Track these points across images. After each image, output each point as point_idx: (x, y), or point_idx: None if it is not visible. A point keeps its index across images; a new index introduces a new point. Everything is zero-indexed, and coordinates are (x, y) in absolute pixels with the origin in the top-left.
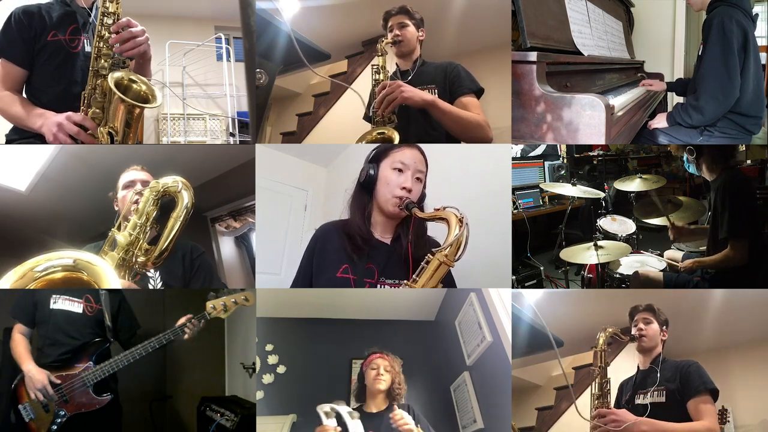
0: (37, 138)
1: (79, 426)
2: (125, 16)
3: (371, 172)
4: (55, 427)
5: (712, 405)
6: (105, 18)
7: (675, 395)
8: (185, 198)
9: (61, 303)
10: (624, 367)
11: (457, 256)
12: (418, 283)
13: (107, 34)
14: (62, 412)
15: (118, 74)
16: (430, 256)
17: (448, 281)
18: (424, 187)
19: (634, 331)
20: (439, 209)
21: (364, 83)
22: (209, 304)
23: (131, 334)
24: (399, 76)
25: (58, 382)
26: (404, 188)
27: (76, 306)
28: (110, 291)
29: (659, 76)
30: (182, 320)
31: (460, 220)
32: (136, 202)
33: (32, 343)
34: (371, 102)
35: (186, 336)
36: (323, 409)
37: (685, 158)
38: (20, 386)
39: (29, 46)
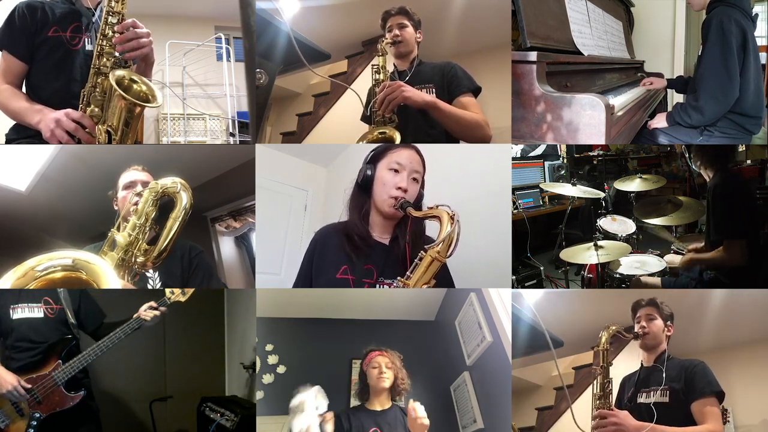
0: (37, 137)
1: (56, 426)
2: (130, 17)
3: (368, 172)
4: (32, 430)
5: (717, 408)
6: (110, 17)
7: (679, 396)
8: (184, 199)
9: (20, 312)
10: (627, 361)
11: (449, 252)
12: (412, 280)
13: (111, 33)
14: (37, 414)
15: (119, 72)
16: (423, 253)
17: (446, 281)
18: (422, 187)
19: (636, 328)
20: (432, 208)
21: (364, 83)
22: (167, 290)
23: (97, 325)
24: (397, 77)
25: (29, 385)
26: (400, 188)
27: (36, 311)
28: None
29: (659, 76)
30: (143, 307)
31: (452, 217)
32: (136, 203)
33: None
34: (369, 102)
35: (148, 323)
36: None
37: (689, 156)
38: None
39: (30, 41)
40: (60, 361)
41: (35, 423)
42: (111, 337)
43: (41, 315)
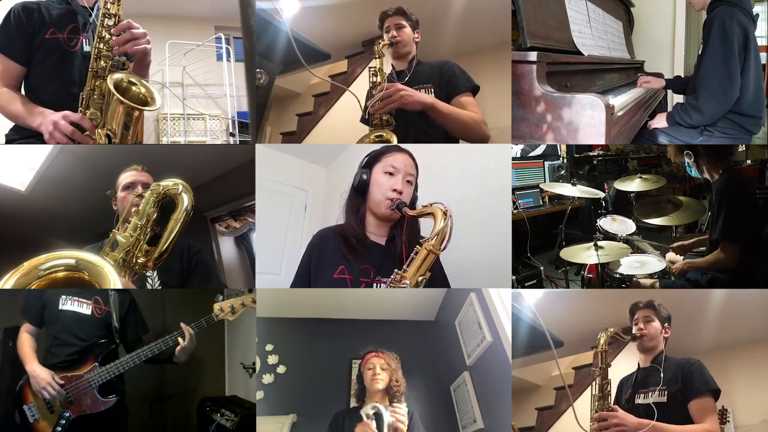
0: (37, 137)
1: (84, 427)
2: (126, 18)
3: (364, 176)
4: (59, 429)
5: (714, 407)
6: (106, 19)
7: (676, 396)
8: (185, 200)
9: (70, 304)
10: (625, 363)
11: (443, 246)
12: (409, 272)
13: (108, 36)
14: (67, 414)
15: (117, 75)
16: (419, 247)
17: (442, 282)
18: (416, 190)
19: (634, 330)
20: (426, 206)
21: (364, 83)
22: (216, 306)
23: (137, 337)
24: (395, 77)
25: (62, 383)
26: (395, 190)
27: (84, 307)
28: (120, 293)
29: (659, 76)
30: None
31: (445, 213)
32: (137, 204)
33: (40, 343)
34: (368, 105)
35: (185, 346)
36: (366, 411)
37: (686, 163)
38: (25, 387)
39: (28, 43)
40: (96, 363)
41: (64, 422)
42: (151, 347)
43: (89, 312)
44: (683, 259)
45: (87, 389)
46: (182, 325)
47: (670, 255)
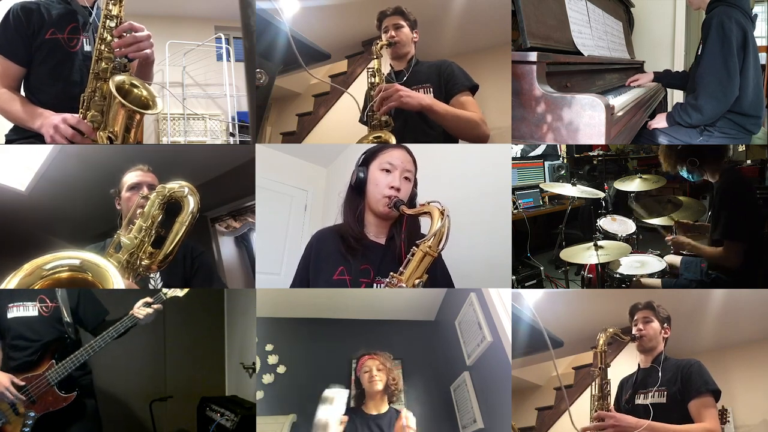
0: (37, 138)
1: (50, 425)
2: (127, 19)
3: (361, 174)
4: (27, 429)
5: (714, 406)
6: (108, 21)
7: (676, 396)
8: (191, 203)
9: (16, 311)
10: (625, 363)
11: (441, 247)
12: (405, 275)
13: (109, 37)
14: (32, 413)
15: (119, 78)
16: (415, 248)
17: (446, 282)
18: (415, 186)
19: (634, 331)
20: (423, 204)
21: (364, 83)
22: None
23: (99, 321)
24: (393, 78)
25: (23, 383)
26: (392, 188)
27: (30, 310)
28: None
29: None
30: (137, 304)
31: (442, 213)
32: (142, 205)
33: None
34: (366, 105)
35: (141, 321)
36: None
37: (685, 171)
38: None
39: (27, 44)
40: (53, 361)
41: (30, 422)
42: (104, 336)
43: (36, 313)
44: (681, 259)
45: (47, 387)
46: (136, 311)
47: (669, 257)
